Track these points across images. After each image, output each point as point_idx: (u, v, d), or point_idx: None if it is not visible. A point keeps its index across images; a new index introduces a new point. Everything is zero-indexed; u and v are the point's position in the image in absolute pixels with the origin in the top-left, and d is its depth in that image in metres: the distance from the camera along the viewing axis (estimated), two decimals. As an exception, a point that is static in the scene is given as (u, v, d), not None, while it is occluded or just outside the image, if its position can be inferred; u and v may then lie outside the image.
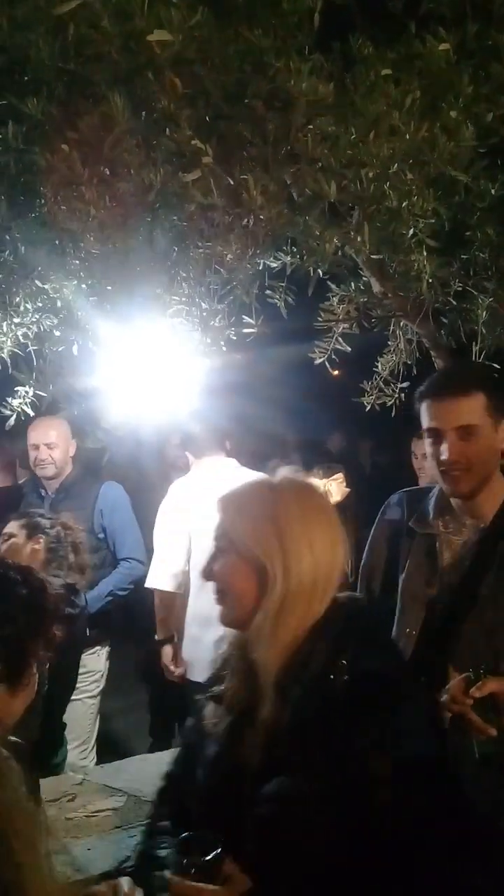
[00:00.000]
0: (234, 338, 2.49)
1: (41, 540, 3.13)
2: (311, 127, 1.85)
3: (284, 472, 1.66)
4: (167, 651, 3.99)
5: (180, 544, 3.89)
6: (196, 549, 3.89)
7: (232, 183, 1.92)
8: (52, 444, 4.15)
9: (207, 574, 1.61)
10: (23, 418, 2.61)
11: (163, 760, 3.01)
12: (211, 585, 1.57)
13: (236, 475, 4.04)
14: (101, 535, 4.23)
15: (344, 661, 1.47)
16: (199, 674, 3.85)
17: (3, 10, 1.81)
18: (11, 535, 3.09)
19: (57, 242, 2.25)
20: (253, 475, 4.17)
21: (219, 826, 1.42)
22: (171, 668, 3.98)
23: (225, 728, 1.57)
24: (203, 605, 3.88)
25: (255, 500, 1.59)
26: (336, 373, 2.90)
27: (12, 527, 3.12)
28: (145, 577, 4.07)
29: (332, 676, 1.47)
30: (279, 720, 1.48)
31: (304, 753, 1.43)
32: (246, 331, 2.51)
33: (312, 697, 1.46)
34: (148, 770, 2.93)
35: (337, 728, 1.42)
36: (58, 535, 3.17)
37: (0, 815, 0.86)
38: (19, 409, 2.55)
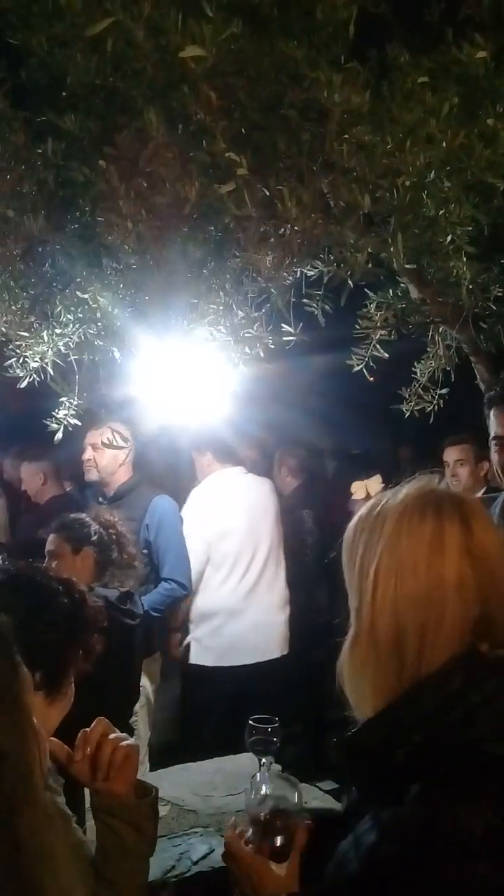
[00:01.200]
0: (273, 346, 2.50)
1: (90, 552, 3.11)
2: (346, 136, 1.85)
3: (411, 485, 1.29)
4: (176, 638, 4.43)
5: (201, 548, 4.26)
6: (216, 551, 4.32)
7: (267, 194, 1.93)
8: (97, 446, 4.07)
9: None
10: (70, 429, 2.63)
11: (204, 770, 3.04)
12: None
13: (245, 481, 4.48)
14: (145, 551, 4.06)
15: (418, 738, 1.14)
16: (218, 659, 4.33)
17: (41, 29, 1.84)
18: (57, 555, 3.06)
19: (96, 255, 2.28)
20: (258, 480, 4.50)
21: None
22: (174, 652, 4.42)
23: None
24: (226, 599, 4.32)
25: (358, 518, 1.31)
26: (371, 379, 2.89)
27: (55, 542, 3.09)
28: (183, 598, 4.19)
29: (398, 751, 1.15)
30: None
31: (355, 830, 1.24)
32: (285, 338, 2.51)
33: (370, 771, 1.22)
34: (190, 779, 2.94)
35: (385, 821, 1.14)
36: (100, 539, 3.15)
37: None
38: (66, 421, 2.57)
